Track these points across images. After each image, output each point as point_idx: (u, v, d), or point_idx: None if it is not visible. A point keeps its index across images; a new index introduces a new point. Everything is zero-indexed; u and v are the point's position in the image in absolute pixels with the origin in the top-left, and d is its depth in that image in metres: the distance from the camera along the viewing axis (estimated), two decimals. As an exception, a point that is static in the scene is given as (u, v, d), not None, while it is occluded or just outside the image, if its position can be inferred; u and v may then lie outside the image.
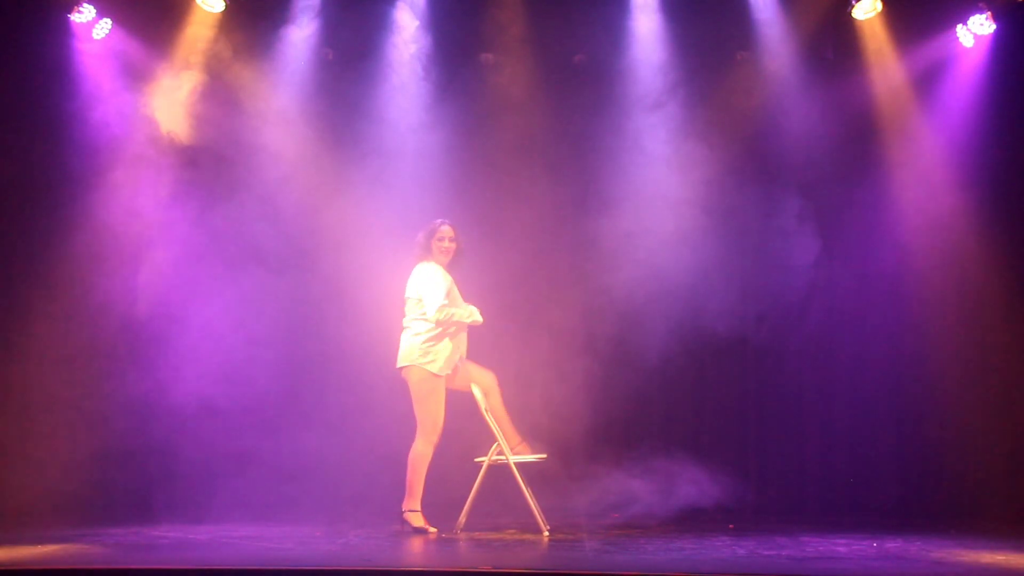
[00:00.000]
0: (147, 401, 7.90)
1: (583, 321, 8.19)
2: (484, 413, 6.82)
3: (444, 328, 6.77)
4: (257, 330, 8.10)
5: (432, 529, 6.71)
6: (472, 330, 8.16)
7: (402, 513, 6.79)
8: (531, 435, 7.76)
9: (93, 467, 7.94)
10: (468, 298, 8.18)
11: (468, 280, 8.18)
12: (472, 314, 6.87)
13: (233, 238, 8.10)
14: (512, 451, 6.80)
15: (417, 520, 6.75)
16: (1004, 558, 5.89)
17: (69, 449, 7.91)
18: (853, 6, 8.06)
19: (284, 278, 8.22)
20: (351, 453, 8.03)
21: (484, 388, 6.89)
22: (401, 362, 6.84)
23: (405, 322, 6.92)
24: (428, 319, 6.76)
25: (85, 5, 7.94)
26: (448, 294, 6.80)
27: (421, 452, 6.74)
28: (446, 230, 6.96)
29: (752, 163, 8.30)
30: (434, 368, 6.73)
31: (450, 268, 6.97)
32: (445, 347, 6.78)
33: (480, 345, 8.04)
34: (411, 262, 7.00)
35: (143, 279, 8.00)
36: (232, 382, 7.92)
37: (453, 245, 6.96)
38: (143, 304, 7.97)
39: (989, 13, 7.92)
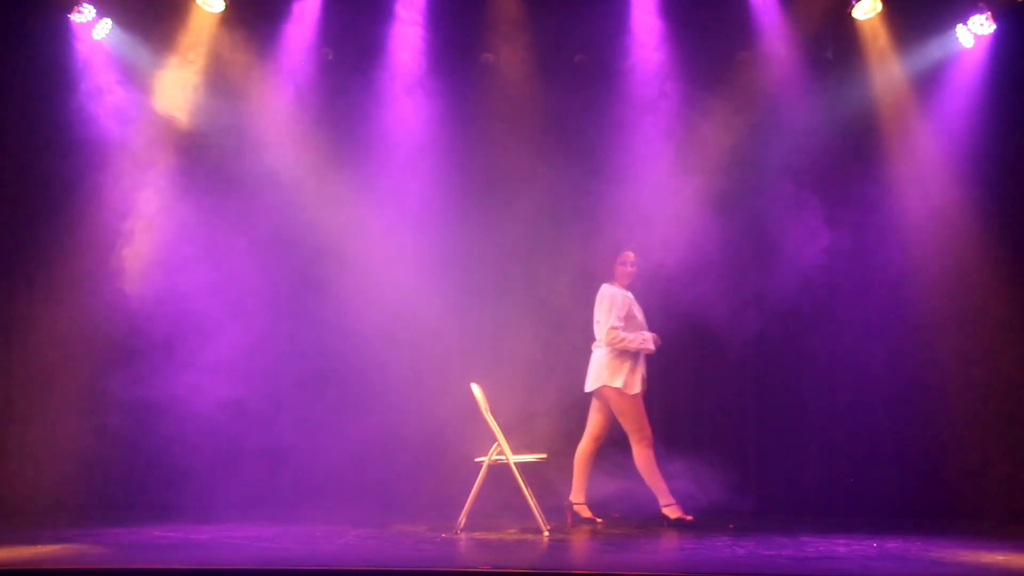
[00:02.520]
0: (148, 401, 7.90)
1: (584, 318, 8.18)
2: (484, 413, 6.82)
3: (620, 350, 7.24)
4: (257, 329, 8.10)
5: (689, 518, 7.20)
6: (474, 329, 8.19)
7: (660, 509, 7.27)
8: (530, 432, 7.77)
9: (93, 467, 7.96)
10: (471, 294, 8.21)
11: (470, 278, 8.22)
12: (644, 341, 7.29)
13: (236, 236, 8.11)
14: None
15: (674, 512, 7.23)
16: (1004, 558, 5.89)
17: (69, 449, 7.92)
18: (853, 6, 8.06)
19: (288, 275, 8.24)
20: (352, 452, 8.02)
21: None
22: (592, 385, 7.35)
23: (595, 344, 7.40)
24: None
25: (85, 5, 7.94)
26: (625, 318, 7.25)
27: (645, 456, 7.23)
28: (629, 255, 7.40)
29: (752, 163, 8.29)
30: (623, 386, 7.22)
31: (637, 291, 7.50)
32: (627, 366, 7.25)
33: (481, 343, 8.08)
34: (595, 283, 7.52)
35: (145, 277, 7.99)
36: (234, 381, 7.92)
37: (635, 269, 7.40)
38: (144, 303, 7.96)
39: (989, 13, 7.92)
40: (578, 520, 7.32)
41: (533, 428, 7.90)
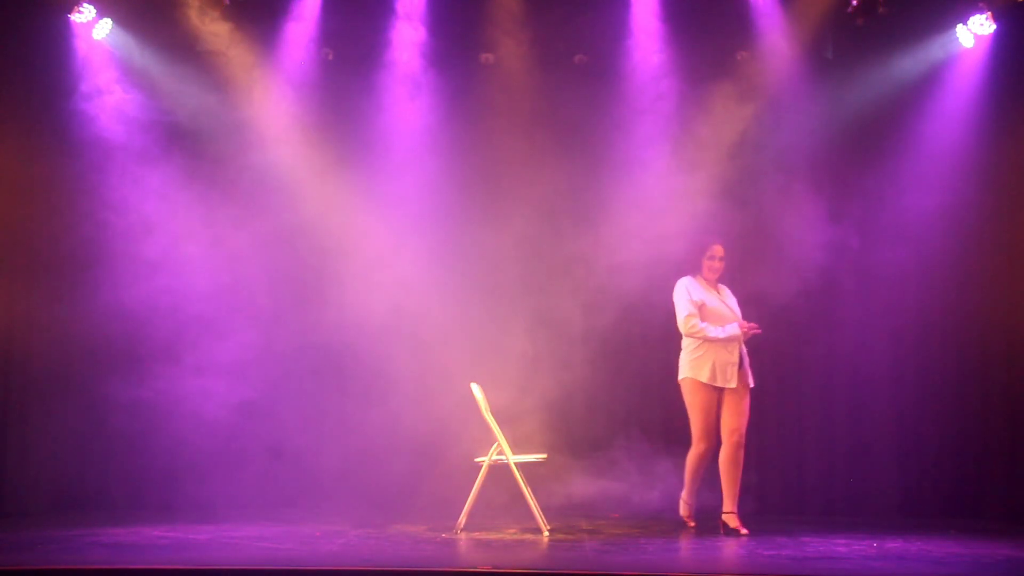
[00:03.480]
0: (148, 402, 7.90)
1: (583, 317, 8.18)
2: (484, 413, 6.81)
3: (702, 342, 6.92)
4: (256, 330, 8.11)
5: (691, 524, 7.08)
6: (475, 328, 8.17)
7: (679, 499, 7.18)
8: (530, 431, 7.77)
9: (94, 467, 7.95)
10: (471, 293, 8.19)
11: (470, 277, 8.21)
12: (725, 330, 6.92)
13: (234, 236, 8.12)
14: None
15: (684, 510, 7.14)
16: (1004, 558, 5.89)
17: (70, 449, 7.92)
18: (853, 6, 8.06)
19: (288, 275, 8.24)
20: (352, 452, 8.03)
21: (729, 430, 6.90)
22: (679, 376, 7.06)
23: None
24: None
25: (85, 5, 7.93)
26: (699, 306, 6.95)
27: (690, 455, 7.00)
28: (718, 249, 7.09)
29: (752, 163, 8.28)
30: (702, 377, 6.89)
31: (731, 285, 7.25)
32: (709, 358, 6.90)
33: (482, 342, 8.07)
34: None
35: (146, 277, 7.99)
36: (234, 382, 7.93)
37: (722, 263, 7.10)
38: (145, 303, 7.95)
39: (989, 13, 7.92)
40: (728, 531, 6.80)
41: (529, 425, 7.89)
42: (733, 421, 6.90)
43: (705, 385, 6.89)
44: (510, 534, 6.72)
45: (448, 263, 8.23)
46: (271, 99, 8.32)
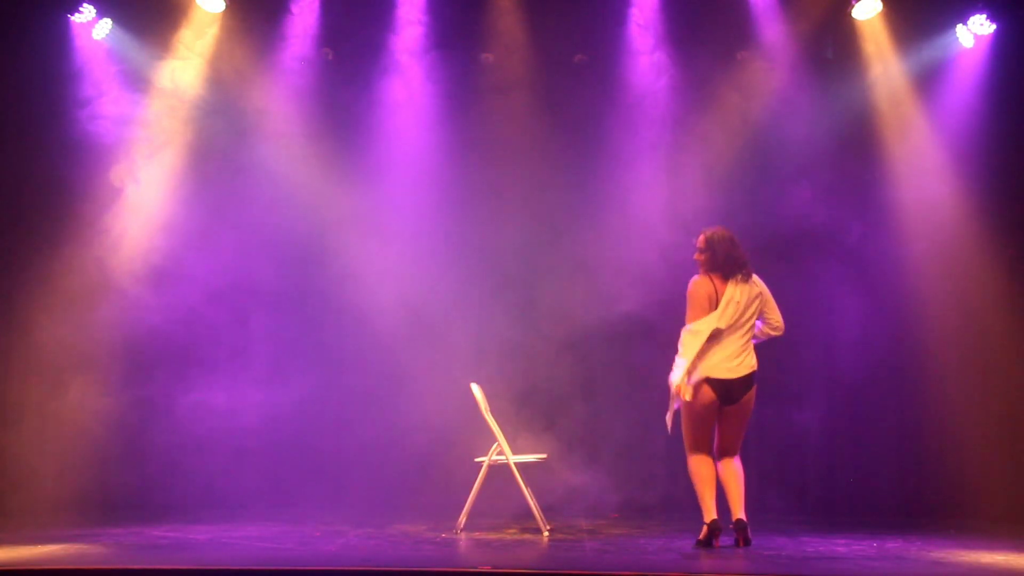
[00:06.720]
0: (149, 402, 7.91)
1: (582, 316, 8.18)
2: (484, 413, 6.82)
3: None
4: (257, 331, 8.12)
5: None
6: (475, 329, 8.17)
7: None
8: (527, 430, 7.78)
9: (93, 467, 7.95)
10: (470, 295, 8.19)
11: (470, 279, 8.21)
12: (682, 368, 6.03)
13: (237, 238, 8.13)
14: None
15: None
16: (1004, 558, 5.90)
17: (70, 450, 7.92)
18: (853, 6, 8.07)
19: (290, 276, 8.25)
20: (352, 452, 8.04)
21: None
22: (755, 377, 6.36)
23: None
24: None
25: (85, 5, 7.95)
26: (696, 314, 6.09)
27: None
28: (699, 239, 6.22)
29: (752, 162, 8.29)
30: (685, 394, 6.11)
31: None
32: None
33: (482, 343, 8.07)
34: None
35: (148, 279, 8.00)
36: (234, 383, 7.94)
37: (699, 256, 6.19)
38: (145, 305, 7.96)
39: (989, 13, 7.93)
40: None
41: (529, 424, 7.90)
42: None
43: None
44: (510, 534, 6.72)
45: (447, 261, 8.23)
46: (271, 98, 8.32)
